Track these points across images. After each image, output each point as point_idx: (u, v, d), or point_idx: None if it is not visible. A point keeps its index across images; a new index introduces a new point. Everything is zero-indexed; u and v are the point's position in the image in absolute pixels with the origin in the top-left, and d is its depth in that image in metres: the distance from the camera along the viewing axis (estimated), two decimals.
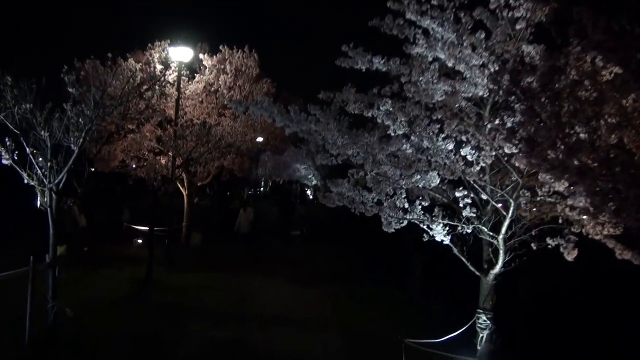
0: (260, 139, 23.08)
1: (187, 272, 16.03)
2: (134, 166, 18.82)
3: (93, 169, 17.69)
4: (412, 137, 7.19)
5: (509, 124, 6.33)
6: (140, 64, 15.93)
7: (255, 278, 15.75)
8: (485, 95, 7.14)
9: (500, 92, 6.99)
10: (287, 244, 24.12)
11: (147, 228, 16.39)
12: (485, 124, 6.90)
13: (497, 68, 6.95)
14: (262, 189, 53.02)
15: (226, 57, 18.85)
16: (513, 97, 6.90)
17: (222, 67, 18.86)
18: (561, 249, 6.80)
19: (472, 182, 7.14)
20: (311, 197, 47.44)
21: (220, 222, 25.91)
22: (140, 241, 19.57)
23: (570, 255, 6.71)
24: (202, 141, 16.00)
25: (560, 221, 7.00)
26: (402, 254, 15.43)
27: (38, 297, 8.67)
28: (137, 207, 22.21)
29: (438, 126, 7.01)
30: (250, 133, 19.14)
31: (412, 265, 14.65)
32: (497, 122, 6.36)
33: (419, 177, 7.17)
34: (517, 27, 6.69)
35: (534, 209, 7.50)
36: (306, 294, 14.29)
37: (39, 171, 8.37)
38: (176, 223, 19.48)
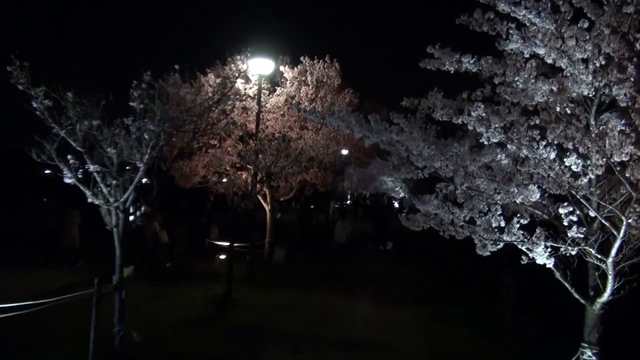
0: (344, 152, 22.50)
1: (269, 289, 15.56)
2: (215, 181, 18.60)
3: (172, 185, 17.75)
4: (509, 146, 6.34)
5: (620, 127, 5.41)
6: (220, 78, 15.67)
7: (339, 296, 15.10)
8: (591, 95, 6.18)
9: (608, 90, 6.05)
10: (377, 259, 23.42)
11: (228, 244, 16.07)
12: (592, 128, 5.96)
13: (602, 62, 6.04)
14: (348, 202, 52.46)
15: (307, 69, 18.35)
16: (623, 95, 5.98)
17: (304, 78, 18.38)
18: None
19: (578, 196, 6.17)
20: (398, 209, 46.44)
21: (305, 237, 25.50)
22: (222, 257, 19.36)
23: None
24: (282, 155, 15.54)
25: None
26: (495, 273, 14.32)
27: (107, 319, 8.34)
28: (225, 223, 22.06)
29: (538, 132, 6.11)
30: (334, 146, 18.58)
31: (504, 285, 13.51)
32: (611, 124, 5.41)
33: (516, 191, 6.26)
34: (625, 10, 5.73)
35: None
36: (393, 315, 13.48)
37: (104, 189, 8.03)
38: (259, 239, 19.14)
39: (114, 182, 8.08)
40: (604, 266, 6.38)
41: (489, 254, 6.57)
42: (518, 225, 6.58)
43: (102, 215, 8.46)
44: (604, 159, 5.61)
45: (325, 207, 40.63)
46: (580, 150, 5.81)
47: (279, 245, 20.92)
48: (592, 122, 6.07)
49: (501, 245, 6.56)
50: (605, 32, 5.80)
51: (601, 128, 5.59)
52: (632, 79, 5.24)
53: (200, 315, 12.52)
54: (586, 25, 5.97)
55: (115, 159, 7.98)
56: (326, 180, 21.47)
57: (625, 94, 5.84)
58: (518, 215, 6.73)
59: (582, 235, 6.22)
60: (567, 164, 5.95)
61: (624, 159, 5.53)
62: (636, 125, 5.27)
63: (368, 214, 39.96)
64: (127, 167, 8.28)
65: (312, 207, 36.35)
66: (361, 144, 20.79)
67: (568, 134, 5.75)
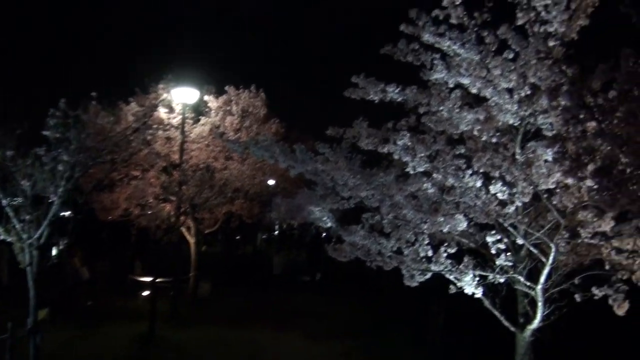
0: (271, 182, 22.20)
1: (194, 326, 14.98)
2: (137, 214, 17.90)
3: (93, 219, 16.96)
4: (435, 175, 6.28)
5: (548, 156, 5.43)
6: (143, 107, 15.18)
7: (266, 331, 14.67)
8: (516, 124, 6.22)
9: (534, 119, 6.12)
10: (307, 290, 23.11)
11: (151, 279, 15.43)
12: (519, 157, 5.98)
13: (528, 92, 6.10)
14: (276, 232, 51.96)
15: (232, 98, 18.13)
16: (549, 124, 6.04)
17: (229, 108, 18.14)
18: (610, 301, 5.80)
19: (505, 224, 6.15)
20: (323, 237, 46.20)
21: (231, 270, 24.95)
22: (146, 293, 18.59)
23: (621, 309, 5.70)
24: (206, 186, 15.15)
25: (607, 267, 6.03)
26: (422, 302, 14.27)
27: None
28: (148, 257, 21.26)
29: (464, 161, 6.08)
30: (260, 176, 18.37)
31: (433, 314, 13.48)
32: (538, 152, 5.42)
33: (443, 220, 6.18)
34: (550, 44, 5.83)
35: (573, 254, 6.54)
36: (320, 351, 13.14)
37: (17, 225, 7.46)
38: (183, 273, 18.49)
39: (27, 217, 7.52)
40: (533, 293, 6.37)
41: (417, 284, 6.45)
42: (445, 255, 6.51)
43: (15, 253, 7.84)
44: (531, 187, 5.61)
45: (252, 238, 40.05)
46: (507, 178, 5.79)
47: (204, 279, 20.31)
48: (518, 150, 6.09)
49: (429, 275, 6.46)
50: (532, 62, 5.87)
51: (528, 156, 5.59)
52: (561, 106, 5.26)
53: (122, 355, 11.89)
54: (511, 55, 6.03)
55: (29, 192, 7.44)
56: (252, 211, 21.09)
57: (551, 123, 5.91)
58: (445, 244, 6.66)
59: (510, 263, 6.20)
60: (492, 192, 5.93)
61: (551, 186, 5.55)
62: (565, 154, 5.28)
63: (298, 244, 39.75)
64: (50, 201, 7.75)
65: (238, 238, 35.77)
66: (288, 174, 20.78)
67: (494, 163, 5.72)
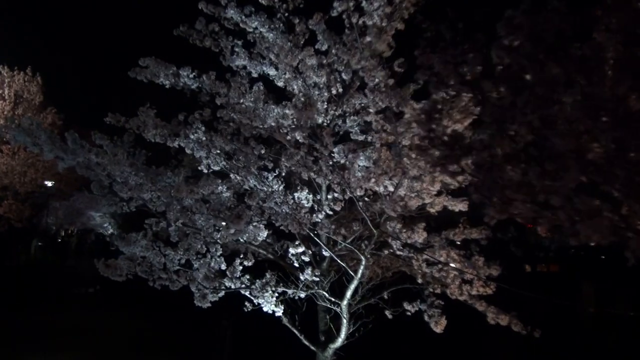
0: (49, 183, 19.79)
1: None
2: None
3: None
4: (232, 176, 5.40)
5: (362, 161, 4.85)
6: None
7: (34, 354, 12.61)
8: (325, 123, 5.58)
9: (342, 120, 5.55)
10: (84, 303, 20.83)
11: None
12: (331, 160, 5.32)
13: (340, 90, 5.53)
14: (59, 240, 47.41)
15: (5, 81, 15.77)
16: (357, 127, 5.52)
17: (0, 91, 15.74)
18: (425, 317, 5.40)
19: (312, 234, 5.44)
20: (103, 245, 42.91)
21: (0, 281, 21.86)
22: None
23: (439, 326, 5.32)
24: None
25: (420, 281, 5.64)
26: (210, 315, 13.20)
27: None
28: None
29: (269, 161, 5.29)
30: (32, 173, 16.15)
31: (221, 329, 12.51)
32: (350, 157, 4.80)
33: (240, 228, 5.28)
34: (367, 39, 5.26)
35: (375, 266, 6.12)
36: None
37: None
38: None
39: None
40: (337, 309, 5.75)
41: (209, 305, 5.47)
42: (240, 268, 5.66)
43: None
44: (347, 193, 4.97)
45: (25, 245, 35.97)
46: (319, 181, 5.10)
47: None
48: (336, 150, 5.40)
49: (223, 293, 5.53)
50: (344, 58, 5.27)
51: (342, 161, 4.96)
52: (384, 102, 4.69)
53: None
54: (325, 47, 5.38)
55: None
56: (23, 213, 18.58)
57: (359, 124, 5.38)
58: (241, 256, 5.80)
59: (317, 278, 5.50)
60: (299, 198, 5.21)
61: (359, 193, 4.98)
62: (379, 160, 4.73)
63: (76, 252, 36.70)
64: None
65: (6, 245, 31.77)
66: (65, 173, 18.75)
67: (307, 163, 4.97)
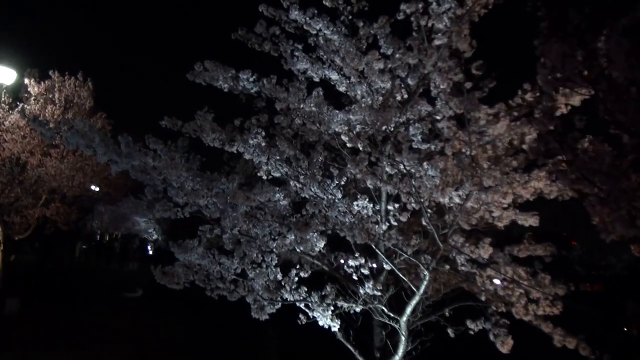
0: (95, 188, 19.96)
1: None
2: None
3: None
4: (292, 183, 5.20)
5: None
6: None
7: (84, 356, 12.62)
8: (390, 130, 5.34)
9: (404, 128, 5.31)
10: (126, 308, 20.96)
11: None
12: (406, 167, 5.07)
13: (405, 96, 5.30)
14: (103, 243, 48.31)
15: (56, 85, 15.96)
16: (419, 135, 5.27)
17: (51, 96, 15.94)
18: (491, 337, 5.10)
19: (374, 246, 5.19)
20: (150, 252, 43.33)
21: (45, 283, 22.20)
22: None
23: (506, 347, 5.02)
24: (15, 183, 12.90)
25: (483, 298, 5.36)
26: (255, 324, 13.04)
27: None
28: None
29: (336, 166, 5.08)
30: (80, 177, 16.27)
31: (267, 338, 12.38)
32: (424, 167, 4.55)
33: (300, 237, 5.07)
34: (437, 42, 5.01)
35: (433, 282, 5.83)
36: None
37: None
38: None
39: None
40: (395, 325, 5.48)
41: (267, 317, 5.27)
42: (296, 279, 5.45)
43: None
44: (418, 203, 4.72)
45: (71, 248, 36.60)
46: (388, 190, 4.86)
47: (12, 294, 17.51)
48: (405, 160, 5.13)
49: (280, 305, 5.32)
50: (410, 62, 5.04)
51: (411, 169, 4.72)
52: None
53: None
54: (390, 51, 5.17)
55: None
56: (70, 217, 18.69)
57: (422, 132, 5.15)
58: (297, 267, 5.59)
59: (378, 293, 5.25)
60: (358, 207, 4.98)
61: (446, 201, 4.73)
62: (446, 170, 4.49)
63: (121, 256, 37.16)
64: None
65: (55, 248, 32.36)
66: (112, 178, 18.88)
67: (376, 170, 4.75)
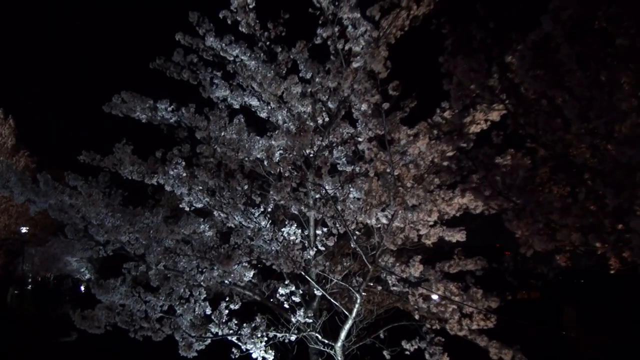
0: (24, 229, 19.19)
1: None
2: None
3: None
4: (216, 213, 5.07)
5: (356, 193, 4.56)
6: None
7: None
8: (312, 154, 5.29)
9: (328, 152, 5.27)
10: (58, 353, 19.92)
11: None
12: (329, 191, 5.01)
13: (326, 119, 5.28)
14: (30, 287, 46.21)
15: None
16: (344, 158, 5.24)
17: None
18: (427, 356, 5.07)
19: (300, 272, 5.09)
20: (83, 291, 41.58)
21: None
22: None
23: None
24: None
25: (417, 317, 5.34)
26: None
27: None
28: None
29: (259, 193, 4.98)
30: (5, 219, 15.64)
31: None
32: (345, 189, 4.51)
33: (226, 270, 4.92)
34: (354, 65, 5.00)
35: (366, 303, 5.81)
36: None
37: None
38: None
39: None
40: (331, 352, 5.38)
41: (195, 354, 5.07)
42: (227, 312, 5.29)
43: None
44: (344, 226, 4.67)
45: (1, 294, 34.93)
46: (310, 215, 4.80)
47: None
48: (328, 184, 5.08)
49: (209, 341, 5.13)
50: (329, 85, 5.02)
51: (334, 193, 4.67)
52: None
53: None
54: (309, 75, 5.15)
55: None
56: None
57: (346, 155, 5.12)
58: (226, 299, 5.43)
59: (310, 320, 5.14)
60: (287, 234, 4.89)
61: (352, 227, 4.69)
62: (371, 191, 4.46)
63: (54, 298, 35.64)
64: None
65: None
66: (39, 218, 18.21)
67: (298, 196, 4.68)
